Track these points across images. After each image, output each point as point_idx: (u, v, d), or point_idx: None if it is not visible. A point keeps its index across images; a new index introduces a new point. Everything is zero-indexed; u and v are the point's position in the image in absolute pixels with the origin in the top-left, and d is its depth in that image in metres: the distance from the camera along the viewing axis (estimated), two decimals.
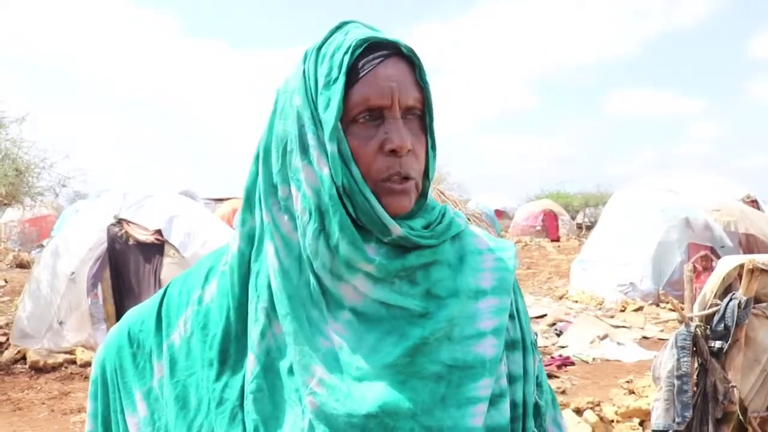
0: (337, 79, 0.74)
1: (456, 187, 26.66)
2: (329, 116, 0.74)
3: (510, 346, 0.85)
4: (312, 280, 0.77)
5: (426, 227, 0.80)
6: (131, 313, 0.93)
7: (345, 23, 0.81)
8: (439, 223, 0.81)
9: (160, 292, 0.92)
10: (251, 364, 0.79)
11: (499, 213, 25.96)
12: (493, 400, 0.78)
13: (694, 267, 3.20)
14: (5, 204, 7.42)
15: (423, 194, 0.82)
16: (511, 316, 0.86)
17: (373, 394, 0.73)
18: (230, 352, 0.81)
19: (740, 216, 9.06)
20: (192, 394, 0.82)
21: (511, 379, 0.83)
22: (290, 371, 0.78)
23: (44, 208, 13.65)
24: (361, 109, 0.75)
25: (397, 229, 0.75)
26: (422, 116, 0.80)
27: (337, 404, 0.73)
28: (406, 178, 0.76)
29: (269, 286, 0.79)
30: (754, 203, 10.25)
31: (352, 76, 0.75)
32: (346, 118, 0.75)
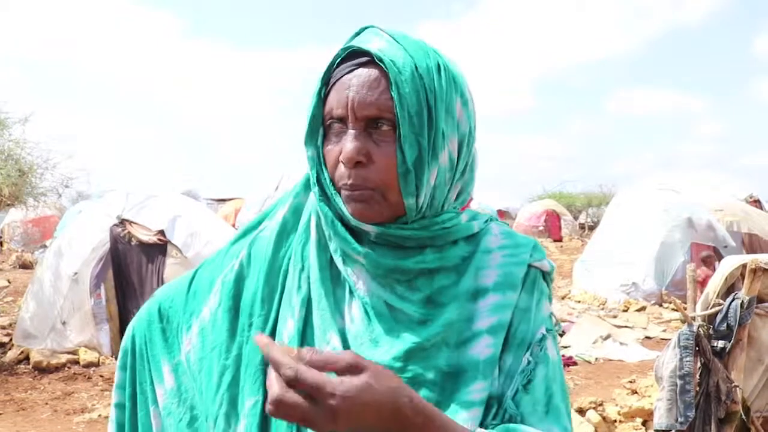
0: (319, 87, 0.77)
1: None
2: (306, 122, 0.77)
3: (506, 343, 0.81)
4: (338, 262, 0.81)
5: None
6: (163, 290, 0.95)
7: (364, 29, 0.79)
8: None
9: (191, 271, 0.94)
10: (289, 329, 0.80)
11: (502, 213, 25.95)
12: (491, 403, 0.75)
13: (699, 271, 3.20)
14: (8, 205, 7.43)
15: (409, 209, 0.76)
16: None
17: None
18: (254, 316, 0.84)
19: (743, 216, 9.05)
20: (215, 366, 0.83)
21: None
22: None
23: (47, 208, 13.64)
24: (330, 117, 0.76)
25: (369, 228, 0.76)
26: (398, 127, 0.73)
27: None
28: (358, 188, 0.74)
29: None
30: (757, 203, 10.25)
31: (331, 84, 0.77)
32: (326, 124, 0.77)
